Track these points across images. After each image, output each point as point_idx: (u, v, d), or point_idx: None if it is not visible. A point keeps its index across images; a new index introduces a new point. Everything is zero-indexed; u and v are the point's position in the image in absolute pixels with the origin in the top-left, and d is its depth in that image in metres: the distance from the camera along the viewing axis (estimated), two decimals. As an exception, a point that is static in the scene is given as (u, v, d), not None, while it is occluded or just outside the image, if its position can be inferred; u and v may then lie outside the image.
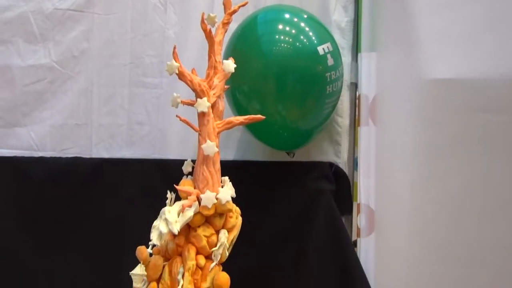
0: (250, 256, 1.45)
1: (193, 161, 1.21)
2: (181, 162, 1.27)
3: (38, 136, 1.67)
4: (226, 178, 1.20)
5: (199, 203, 1.12)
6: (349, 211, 1.50)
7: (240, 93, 1.35)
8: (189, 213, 1.10)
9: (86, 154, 1.65)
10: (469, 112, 1.35)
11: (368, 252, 1.46)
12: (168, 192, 1.21)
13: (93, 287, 1.54)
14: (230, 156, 1.55)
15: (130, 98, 1.63)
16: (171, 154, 1.59)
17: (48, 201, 1.60)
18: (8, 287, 1.58)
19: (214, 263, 1.14)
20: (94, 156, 1.64)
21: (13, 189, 1.62)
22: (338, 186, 1.49)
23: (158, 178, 1.55)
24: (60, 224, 1.59)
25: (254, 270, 1.45)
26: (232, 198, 1.17)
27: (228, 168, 1.23)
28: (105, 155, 1.64)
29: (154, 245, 1.19)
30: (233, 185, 1.20)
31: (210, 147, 1.14)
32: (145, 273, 1.13)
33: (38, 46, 1.64)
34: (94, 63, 1.64)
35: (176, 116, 1.17)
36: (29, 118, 1.66)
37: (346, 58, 1.49)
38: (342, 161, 1.51)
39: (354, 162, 1.52)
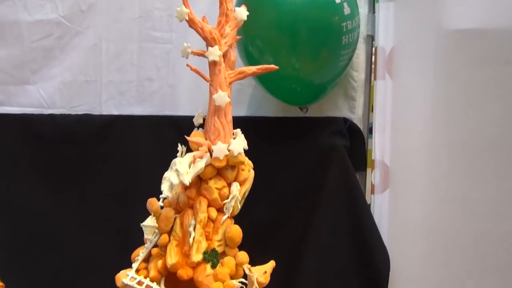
0: (262, 211, 1.43)
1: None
2: (192, 119, 1.24)
3: (48, 94, 1.64)
4: (238, 130, 1.17)
5: (211, 155, 1.10)
6: (363, 168, 1.47)
7: (252, 45, 1.30)
8: (200, 164, 1.07)
9: (95, 111, 1.63)
10: (490, 64, 1.30)
11: (382, 209, 1.43)
12: (179, 145, 1.19)
13: (104, 240, 1.54)
14: (242, 112, 1.52)
15: (139, 54, 1.60)
16: (182, 110, 1.55)
17: (58, 158, 1.59)
18: (20, 242, 1.59)
19: (226, 216, 1.13)
20: (103, 113, 1.62)
21: (23, 147, 1.61)
22: (352, 142, 1.45)
23: (169, 135, 1.52)
24: (70, 180, 1.58)
25: (266, 226, 1.44)
26: (244, 150, 1.14)
27: (240, 125, 1.20)
28: (115, 112, 1.62)
29: (165, 198, 1.18)
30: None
31: (222, 97, 1.11)
32: (156, 225, 1.11)
33: (45, 0, 1.60)
34: (102, 18, 1.60)
35: (187, 65, 1.14)
36: (38, 75, 1.64)
37: (362, 9, 1.43)
38: (356, 117, 1.47)
39: (369, 118, 1.47)
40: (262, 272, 1.01)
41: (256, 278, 1.00)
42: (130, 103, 1.62)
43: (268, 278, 1.01)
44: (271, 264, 1.03)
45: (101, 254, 1.52)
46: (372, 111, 1.45)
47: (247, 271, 1.01)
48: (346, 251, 1.42)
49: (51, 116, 1.63)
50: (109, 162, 1.56)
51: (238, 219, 1.16)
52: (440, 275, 1.41)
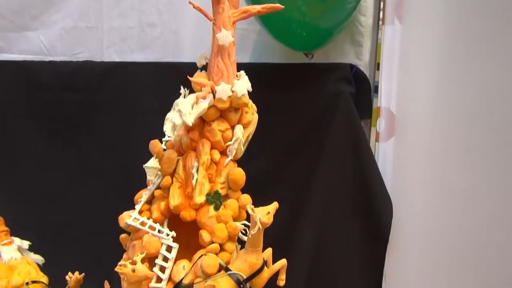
0: (266, 158, 1.43)
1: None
2: (195, 65, 1.21)
3: (49, 40, 1.61)
4: (242, 72, 1.14)
5: (214, 96, 1.08)
6: (369, 115, 1.45)
7: (257, -14, 1.25)
8: (203, 104, 1.05)
9: (97, 58, 1.60)
10: (503, 13, 1.25)
11: (386, 157, 1.42)
12: (182, 87, 1.16)
13: (107, 185, 1.54)
14: (246, 59, 1.49)
15: (141, -2, 1.55)
16: (185, 57, 1.52)
17: (59, 105, 1.58)
18: (22, 185, 1.60)
19: (229, 158, 1.12)
20: (105, 60, 1.59)
21: (24, 94, 1.60)
22: (358, 89, 1.42)
23: (172, 82, 1.49)
24: (72, 127, 1.57)
25: (270, 173, 1.43)
26: (248, 92, 1.11)
27: (244, 71, 1.16)
28: (116, 59, 1.59)
29: (167, 141, 1.17)
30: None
31: (225, 36, 1.08)
32: (159, 166, 1.10)
33: None
34: (102, -38, 1.55)
35: (190, 3, 1.09)
36: (39, 21, 1.60)
37: (372, -50, 1.37)
38: (363, 63, 1.43)
39: (375, 64, 1.44)
40: (265, 213, 1.00)
41: (259, 218, 0.99)
42: (131, 49, 1.59)
43: (271, 219, 1.01)
44: (274, 205, 1.02)
45: (104, 198, 1.53)
46: (379, 57, 1.41)
47: (250, 211, 1.01)
48: (350, 199, 1.42)
49: (52, 63, 1.60)
50: (110, 109, 1.55)
51: (242, 166, 1.15)
52: (442, 223, 1.41)
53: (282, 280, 1.08)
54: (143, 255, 1.01)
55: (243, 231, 1.13)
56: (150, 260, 1.05)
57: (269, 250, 1.08)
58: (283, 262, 1.07)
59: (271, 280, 1.07)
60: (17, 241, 1.49)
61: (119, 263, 0.99)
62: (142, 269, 0.98)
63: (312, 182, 1.42)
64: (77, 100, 1.56)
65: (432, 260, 1.40)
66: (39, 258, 1.53)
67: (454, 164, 1.36)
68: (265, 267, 1.04)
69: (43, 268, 1.51)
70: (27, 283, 1.40)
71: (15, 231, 1.51)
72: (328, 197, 1.41)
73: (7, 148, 1.58)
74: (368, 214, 1.39)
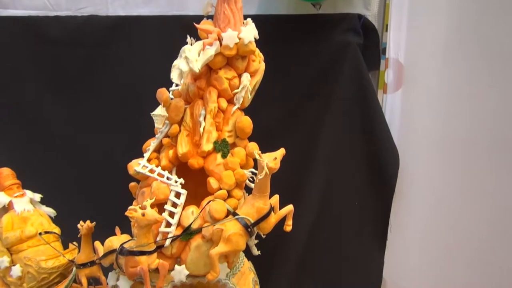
0: (274, 110, 1.42)
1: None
2: (201, 18, 1.19)
3: (52, -5, 1.59)
4: (249, 19, 1.13)
5: (220, 44, 1.07)
6: (377, 66, 1.43)
7: None
8: (210, 51, 1.05)
9: (102, 13, 1.58)
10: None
11: (394, 109, 1.42)
12: (188, 36, 1.15)
13: (114, 138, 1.56)
14: (252, 10, 1.46)
15: None
16: (190, 9, 1.50)
17: (64, 60, 1.58)
18: (26, 139, 1.63)
19: (236, 106, 1.12)
20: (110, 14, 1.57)
21: (29, 49, 1.59)
22: (366, 40, 1.41)
23: (177, 35, 1.48)
24: (78, 81, 1.58)
25: (277, 123, 1.43)
26: (256, 42, 1.10)
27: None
28: (122, 13, 1.57)
29: (174, 91, 1.17)
30: (256, 40, 1.12)
31: (232, -19, 1.06)
32: (166, 114, 1.11)
33: None
34: None
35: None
36: (42, -25, 1.58)
37: None
38: (371, 13, 1.41)
39: (384, 14, 1.41)
40: (272, 158, 1.01)
41: (266, 164, 1.00)
42: (137, 3, 1.57)
43: (278, 164, 1.01)
44: (281, 151, 1.03)
45: (112, 150, 1.54)
46: (388, 7, 1.39)
47: (257, 157, 1.02)
48: (356, 150, 1.42)
49: (56, 18, 1.59)
50: (116, 63, 1.54)
51: (249, 117, 1.15)
52: (448, 175, 1.41)
53: (289, 226, 1.09)
54: (152, 200, 1.03)
55: (251, 179, 1.14)
56: (159, 207, 1.07)
57: (276, 197, 1.09)
58: (290, 208, 1.08)
59: (279, 226, 1.09)
60: (29, 193, 1.52)
61: (129, 208, 1.01)
62: (151, 213, 0.99)
63: (319, 132, 1.42)
64: (83, 54, 1.56)
65: (438, 210, 1.41)
66: (51, 211, 1.56)
67: (461, 116, 1.35)
68: (272, 212, 1.06)
69: (54, 220, 1.55)
70: (40, 234, 1.43)
71: (26, 185, 1.54)
72: (335, 147, 1.42)
73: (14, 103, 1.59)
74: (374, 165, 1.40)
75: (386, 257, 1.46)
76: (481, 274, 1.40)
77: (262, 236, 1.14)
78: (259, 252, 1.13)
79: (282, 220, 1.09)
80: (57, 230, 1.50)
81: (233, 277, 1.12)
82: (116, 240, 1.10)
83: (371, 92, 1.39)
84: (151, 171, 1.09)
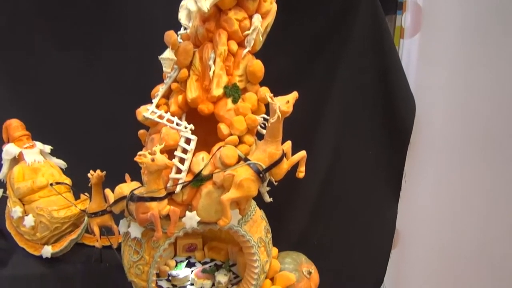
0: (286, 55, 1.38)
1: None
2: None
3: None
4: (259, -44, 1.06)
5: (230, -18, 1.01)
6: (393, 10, 1.37)
7: None
8: (219, -9, 0.99)
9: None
10: None
11: (410, 55, 1.36)
12: (196, -25, 1.09)
13: (121, 82, 1.53)
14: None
15: None
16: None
17: (70, 7, 1.53)
18: (35, 92, 1.62)
19: (247, 49, 1.07)
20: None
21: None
22: (383, -19, 1.33)
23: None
24: (84, 23, 1.54)
25: (290, 69, 1.39)
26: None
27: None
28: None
29: (182, 34, 1.13)
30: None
31: None
32: (175, 58, 1.07)
33: None
34: None
35: None
36: None
37: None
38: (388, -47, 1.33)
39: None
40: (285, 102, 0.98)
41: (279, 107, 0.97)
42: None
43: (291, 108, 0.98)
44: (294, 94, 0.99)
45: (121, 96, 1.52)
46: None
47: (269, 100, 0.98)
48: (371, 97, 1.38)
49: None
50: (123, 3, 1.49)
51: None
52: (466, 124, 1.37)
53: (301, 172, 1.07)
54: (162, 146, 1.01)
55: (262, 125, 1.11)
56: (169, 153, 1.05)
57: (289, 143, 1.06)
58: (302, 153, 1.05)
59: (291, 173, 1.07)
60: (39, 145, 1.52)
61: (138, 153, 0.99)
62: (161, 158, 0.97)
63: (334, 78, 1.38)
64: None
65: (453, 160, 1.38)
66: (62, 163, 1.56)
67: (483, 62, 1.30)
68: (285, 158, 1.03)
69: (65, 172, 1.55)
70: (51, 184, 1.43)
71: (35, 137, 1.53)
72: (349, 94, 1.38)
73: (20, 49, 1.56)
74: (389, 113, 1.36)
75: (399, 207, 1.43)
76: (495, 224, 1.38)
77: (274, 183, 1.12)
78: (271, 199, 1.11)
79: (295, 167, 1.06)
80: (68, 181, 1.50)
81: (245, 224, 1.11)
82: (126, 187, 1.09)
83: (387, 37, 1.33)
84: (160, 117, 1.07)
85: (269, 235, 1.19)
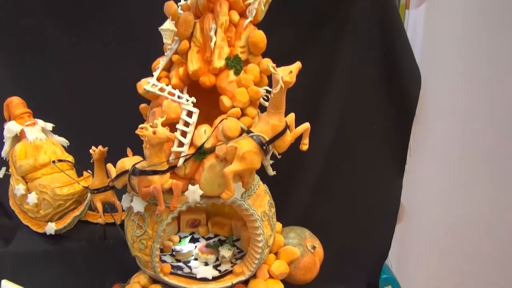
0: (289, 27, 1.35)
1: None
2: None
3: None
4: None
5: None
6: (399, -20, 1.34)
7: None
8: (219, -43, 0.97)
9: None
10: None
11: (416, 25, 1.33)
12: None
13: (123, 54, 1.52)
14: None
15: None
16: None
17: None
18: (36, 69, 1.61)
19: (248, 19, 1.05)
20: None
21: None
22: None
23: None
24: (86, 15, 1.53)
25: (292, 41, 1.36)
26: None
27: None
28: None
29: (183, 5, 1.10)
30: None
31: None
32: (175, 29, 1.04)
33: None
34: None
35: None
36: None
37: None
38: None
39: None
40: (288, 72, 0.96)
41: (282, 77, 0.95)
42: None
43: (294, 78, 0.96)
44: (297, 64, 0.97)
45: (121, 71, 1.50)
46: None
47: (271, 70, 0.96)
48: (376, 69, 1.35)
49: None
50: None
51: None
52: (472, 96, 1.35)
53: (305, 145, 1.05)
54: (163, 119, 0.99)
55: (265, 97, 1.09)
56: (170, 127, 1.03)
57: (292, 115, 1.05)
58: (306, 125, 1.04)
59: (295, 147, 1.05)
60: (40, 122, 1.50)
61: (139, 126, 0.97)
62: (163, 131, 0.96)
63: (338, 50, 1.35)
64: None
65: (459, 133, 1.36)
66: (64, 140, 1.55)
67: (489, 30, 1.26)
68: (288, 130, 1.01)
69: (67, 150, 1.54)
70: (53, 162, 1.42)
71: (36, 115, 1.52)
72: (353, 66, 1.35)
73: (19, 27, 1.54)
74: (395, 85, 1.34)
75: (404, 181, 1.41)
76: (503, 197, 1.36)
77: (277, 156, 1.10)
78: (274, 173, 1.09)
79: (298, 140, 1.05)
80: (70, 158, 1.49)
81: (248, 198, 1.10)
82: (128, 161, 1.08)
83: (392, 8, 1.30)
84: (161, 89, 1.05)
85: (273, 209, 1.18)
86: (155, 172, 0.99)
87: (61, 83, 1.63)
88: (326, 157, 1.46)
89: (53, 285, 1.25)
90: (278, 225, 1.25)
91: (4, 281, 1.15)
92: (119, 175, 1.08)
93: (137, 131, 0.97)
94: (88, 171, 1.45)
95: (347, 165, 1.46)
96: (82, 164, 1.47)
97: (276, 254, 1.22)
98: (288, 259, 1.21)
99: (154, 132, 0.96)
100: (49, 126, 1.53)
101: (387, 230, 1.40)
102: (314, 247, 1.25)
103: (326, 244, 1.27)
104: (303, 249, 1.23)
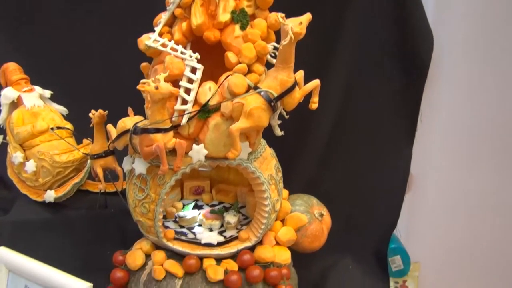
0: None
1: None
2: None
3: None
4: None
5: None
6: None
7: None
8: None
9: None
10: None
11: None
12: None
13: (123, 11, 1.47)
14: None
15: None
16: None
17: None
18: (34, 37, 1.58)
19: (255, -30, 0.99)
20: None
21: None
22: None
23: None
24: None
25: (302, 2, 1.30)
26: None
27: None
28: None
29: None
30: None
31: None
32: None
33: None
34: None
35: None
36: None
37: None
38: None
39: None
40: (297, 23, 0.91)
41: (291, 28, 0.90)
42: None
43: (304, 30, 0.91)
44: (307, 16, 0.92)
45: (120, 29, 1.45)
46: None
47: (280, 21, 0.91)
48: (388, 31, 1.30)
49: None
50: None
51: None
52: (486, 62, 1.29)
53: (314, 103, 1.01)
54: (166, 74, 0.94)
55: (272, 54, 1.04)
56: (173, 84, 0.98)
57: (301, 72, 1.00)
58: (316, 82, 0.99)
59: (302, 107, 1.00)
60: (38, 89, 1.46)
61: (141, 81, 0.93)
62: (165, 86, 0.91)
63: (348, 12, 1.29)
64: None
65: (474, 98, 1.31)
66: (63, 109, 1.51)
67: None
68: (297, 87, 0.97)
69: (66, 119, 1.49)
70: (51, 128, 1.38)
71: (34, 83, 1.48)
72: (365, 28, 1.30)
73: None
74: (406, 48, 1.28)
75: (414, 150, 1.36)
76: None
77: (285, 116, 1.06)
78: (282, 133, 1.05)
79: (307, 100, 1.00)
80: (69, 126, 1.44)
81: (255, 160, 1.06)
82: (129, 121, 1.04)
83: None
84: (163, 45, 1.00)
85: (280, 174, 1.14)
86: (157, 130, 0.94)
87: (58, 49, 1.57)
88: (333, 124, 1.41)
89: (53, 253, 1.22)
90: (285, 192, 1.21)
91: (1, 248, 1.11)
92: (120, 135, 1.04)
93: (139, 87, 0.92)
94: (88, 138, 1.40)
95: (354, 132, 1.41)
96: (81, 133, 1.43)
97: (282, 221, 1.18)
98: (296, 225, 1.17)
99: (157, 87, 0.91)
100: (47, 93, 1.48)
101: (396, 199, 1.36)
102: (321, 215, 1.21)
103: (332, 214, 1.24)
104: (311, 216, 1.19)
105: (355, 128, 1.40)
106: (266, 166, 1.09)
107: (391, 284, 1.36)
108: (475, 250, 1.46)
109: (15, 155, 1.39)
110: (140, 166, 1.02)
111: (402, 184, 1.36)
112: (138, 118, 1.04)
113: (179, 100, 0.98)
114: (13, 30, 1.59)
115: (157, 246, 1.11)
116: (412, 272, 1.40)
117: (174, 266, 1.06)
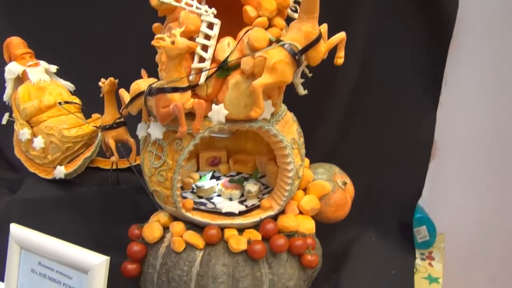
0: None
1: None
2: None
3: None
4: None
5: None
6: None
7: None
8: None
9: None
10: None
11: None
12: None
13: None
14: None
15: None
16: None
17: None
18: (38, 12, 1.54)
19: None
20: None
21: None
22: None
23: None
24: None
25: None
26: None
27: None
28: None
29: None
30: None
31: None
32: None
33: None
34: None
35: None
36: None
37: None
38: None
39: None
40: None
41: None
42: None
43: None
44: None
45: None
46: None
47: (304, -35, 0.85)
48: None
49: None
50: None
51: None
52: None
53: (340, 58, 0.95)
54: (182, 29, 0.88)
55: (293, 8, 0.98)
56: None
57: (325, 26, 0.94)
58: (341, 35, 0.93)
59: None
60: (43, 63, 1.40)
61: (155, 36, 0.86)
62: (182, 40, 0.85)
63: None
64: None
65: (502, 59, 1.25)
66: (70, 84, 1.46)
67: None
68: (322, 40, 0.90)
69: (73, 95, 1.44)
70: (59, 103, 1.32)
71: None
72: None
73: None
74: (430, 4, 1.21)
75: (438, 115, 1.30)
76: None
77: (308, 75, 1.00)
78: (305, 92, 0.99)
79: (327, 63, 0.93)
80: (77, 100, 1.39)
81: (276, 123, 1.00)
82: (143, 83, 0.98)
83: None
84: (177, 0, 0.93)
85: (302, 139, 1.08)
86: (175, 90, 0.88)
87: (64, 25, 1.52)
88: (353, 89, 1.35)
89: (65, 231, 1.15)
90: (306, 160, 1.15)
91: (13, 225, 1.06)
92: (133, 98, 0.98)
93: (153, 42, 0.86)
94: (97, 114, 1.35)
95: (376, 96, 1.34)
96: (89, 110, 1.38)
97: (304, 190, 1.12)
98: (319, 194, 1.11)
99: (173, 42, 0.85)
100: (53, 68, 1.43)
101: (420, 167, 1.30)
102: (345, 183, 1.15)
103: (356, 183, 1.18)
104: (334, 185, 1.13)
105: (376, 91, 1.34)
106: (288, 129, 1.03)
107: (417, 255, 1.31)
108: (503, 220, 1.40)
109: (22, 132, 1.33)
110: (156, 131, 0.97)
111: (426, 151, 1.30)
112: (153, 80, 0.98)
113: (196, 58, 0.92)
114: (15, 4, 1.53)
115: (175, 218, 1.06)
116: (438, 244, 1.34)
117: (194, 237, 1.00)
